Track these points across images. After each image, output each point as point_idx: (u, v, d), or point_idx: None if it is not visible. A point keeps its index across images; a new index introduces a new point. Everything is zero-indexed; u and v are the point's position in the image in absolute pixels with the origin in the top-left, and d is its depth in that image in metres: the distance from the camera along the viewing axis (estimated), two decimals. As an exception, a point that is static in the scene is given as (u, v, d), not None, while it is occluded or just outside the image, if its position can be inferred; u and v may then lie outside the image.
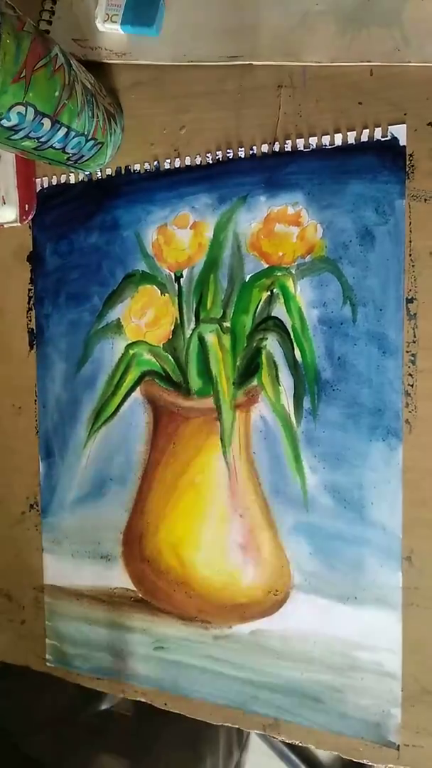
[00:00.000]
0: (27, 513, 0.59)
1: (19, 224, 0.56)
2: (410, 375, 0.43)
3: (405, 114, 0.43)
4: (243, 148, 0.47)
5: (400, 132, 0.43)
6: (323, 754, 1.07)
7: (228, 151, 0.48)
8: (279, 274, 0.46)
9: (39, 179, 0.56)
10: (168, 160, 0.50)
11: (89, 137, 0.47)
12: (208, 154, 0.48)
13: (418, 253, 0.43)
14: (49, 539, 0.58)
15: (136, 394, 0.52)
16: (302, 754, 1.05)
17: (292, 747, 1.04)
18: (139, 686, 0.54)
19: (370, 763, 0.47)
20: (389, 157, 0.43)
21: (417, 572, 0.44)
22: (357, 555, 0.45)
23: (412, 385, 0.44)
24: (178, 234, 0.50)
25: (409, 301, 0.43)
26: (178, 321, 0.50)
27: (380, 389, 0.44)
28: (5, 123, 0.39)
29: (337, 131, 0.44)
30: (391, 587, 0.44)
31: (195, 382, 0.50)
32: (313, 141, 0.45)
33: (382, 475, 0.44)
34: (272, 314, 0.47)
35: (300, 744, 0.49)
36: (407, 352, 0.43)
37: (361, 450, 0.45)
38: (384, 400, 0.44)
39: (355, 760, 0.48)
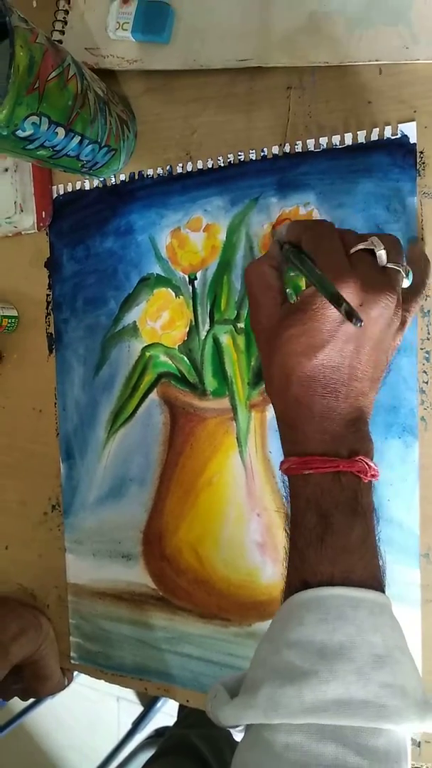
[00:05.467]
0: (49, 514, 0.60)
1: (36, 231, 0.57)
2: (425, 372, 0.43)
3: (415, 111, 0.43)
4: (254, 151, 0.47)
5: (410, 130, 0.43)
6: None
7: (239, 153, 0.48)
8: (292, 274, 0.47)
9: (55, 186, 0.57)
10: (180, 165, 0.50)
11: (103, 144, 0.48)
12: (220, 157, 0.49)
13: (430, 250, 0.43)
14: (71, 539, 0.59)
15: (153, 395, 0.53)
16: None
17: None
18: (161, 683, 0.55)
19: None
20: (400, 155, 0.43)
21: (435, 569, 0.44)
22: (374, 552, 0.45)
23: (426, 383, 0.44)
24: (191, 237, 0.50)
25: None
26: (193, 323, 0.51)
27: (395, 387, 0.44)
28: (20, 133, 0.40)
29: (347, 131, 0.44)
30: (409, 584, 0.45)
31: (210, 382, 0.51)
32: (324, 141, 0.45)
33: (398, 472, 0.44)
34: (286, 314, 0.47)
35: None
36: (422, 349, 0.43)
37: (377, 448, 0.44)
38: (399, 397, 0.44)
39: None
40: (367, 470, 0.34)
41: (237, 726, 0.32)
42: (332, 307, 0.33)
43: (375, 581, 0.33)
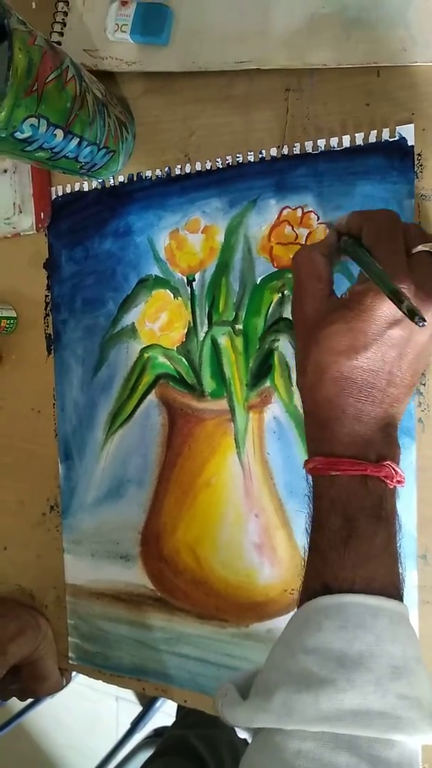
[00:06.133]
0: (48, 514, 0.60)
1: (35, 232, 0.57)
2: (422, 374, 0.44)
3: (413, 114, 0.43)
4: (252, 152, 0.48)
5: (408, 132, 0.43)
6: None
7: (237, 155, 0.48)
8: (290, 275, 0.47)
9: (54, 188, 0.57)
10: (179, 166, 0.51)
11: (101, 146, 0.48)
12: (218, 159, 0.49)
13: (428, 252, 0.43)
14: (70, 540, 0.59)
15: (152, 396, 0.53)
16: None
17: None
18: (158, 683, 0.55)
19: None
20: (397, 158, 0.43)
21: (432, 570, 0.44)
22: (372, 554, 0.46)
23: (424, 384, 0.44)
24: (189, 238, 0.51)
25: (420, 300, 0.43)
26: (191, 324, 0.51)
27: (392, 389, 0.44)
28: (19, 135, 0.40)
29: (345, 133, 0.44)
30: (406, 585, 0.44)
31: (209, 384, 0.51)
32: (322, 143, 0.45)
33: (395, 474, 0.44)
34: (284, 316, 0.47)
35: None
36: (419, 351, 0.43)
37: (375, 449, 0.45)
38: (396, 399, 0.44)
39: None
40: (394, 476, 0.33)
41: (248, 727, 0.32)
42: (382, 309, 0.32)
43: (395, 589, 0.33)
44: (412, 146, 0.43)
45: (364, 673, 0.29)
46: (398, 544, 0.34)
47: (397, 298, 0.30)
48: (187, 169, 0.50)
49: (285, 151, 0.46)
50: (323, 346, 0.34)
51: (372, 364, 0.33)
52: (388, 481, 0.33)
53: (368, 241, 0.34)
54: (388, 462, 0.33)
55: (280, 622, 0.49)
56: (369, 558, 0.32)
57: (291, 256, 0.46)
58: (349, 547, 0.32)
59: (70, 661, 0.60)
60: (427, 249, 0.33)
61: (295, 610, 0.34)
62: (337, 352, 0.33)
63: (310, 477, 0.36)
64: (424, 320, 0.29)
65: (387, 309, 0.32)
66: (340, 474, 0.33)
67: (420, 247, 0.34)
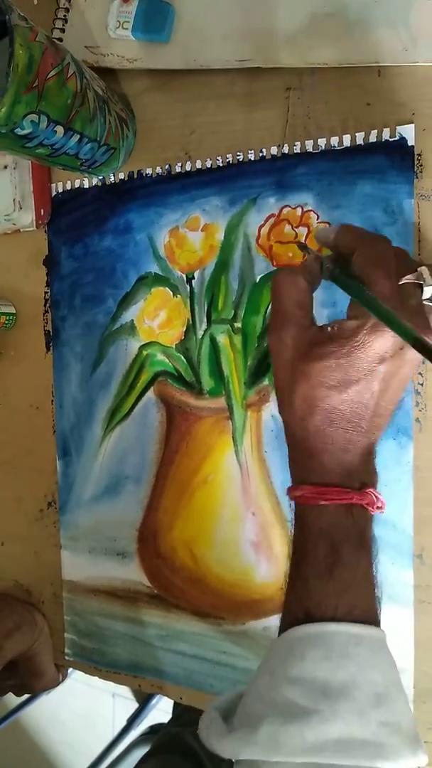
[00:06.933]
0: (45, 511, 0.61)
1: (35, 229, 0.57)
2: (420, 374, 0.44)
3: (413, 114, 0.43)
4: (252, 151, 0.48)
5: (408, 132, 0.43)
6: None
7: (238, 153, 0.48)
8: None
9: (54, 184, 0.57)
10: (179, 164, 0.51)
11: (102, 143, 0.48)
12: (219, 157, 0.49)
13: (427, 251, 0.43)
14: (67, 536, 0.59)
15: (150, 394, 0.53)
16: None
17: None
18: (154, 680, 0.55)
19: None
20: (397, 157, 0.43)
21: (428, 570, 0.44)
22: (368, 553, 0.46)
23: (422, 384, 0.44)
24: (189, 236, 0.51)
25: (419, 300, 0.43)
26: (190, 322, 0.51)
27: (390, 388, 0.44)
28: (19, 131, 0.40)
29: (346, 132, 0.45)
30: (402, 585, 0.45)
31: (207, 382, 0.51)
32: (322, 142, 0.45)
33: (392, 473, 0.45)
34: (282, 314, 0.47)
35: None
36: (417, 351, 0.44)
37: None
38: (394, 399, 0.44)
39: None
40: (375, 502, 0.34)
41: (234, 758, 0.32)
42: (375, 346, 0.31)
43: (374, 615, 0.33)
44: (413, 146, 0.43)
45: (347, 702, 0.29)
46: (375, 570, 0.34)
47: (424, 350, 0.29)
48: (188, 166, 0.50)
49: (285, 149, 0.46)
50: (314, 380, 0.33)
51: (361, 397, 0.33)
52: (370, 508, 0.34)
53: (363, 266, 0.33)
54: (369, 489, 0.34)
55: (276, 621, 0.49)
56: (351, 586, 0.33)
57: (290, 255, 0.47)
58: (333, 575, 0.33)
59: (67, 657, 0.60)
60: (412, 281, 0.33)
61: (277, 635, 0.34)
62: (329, 387, 0.33)
63: (293, 503, 0.36)
64: None
65: (379, 347, 0.32)
66: (328, 503, 0.33)
67: (407, 279, 0.33)
